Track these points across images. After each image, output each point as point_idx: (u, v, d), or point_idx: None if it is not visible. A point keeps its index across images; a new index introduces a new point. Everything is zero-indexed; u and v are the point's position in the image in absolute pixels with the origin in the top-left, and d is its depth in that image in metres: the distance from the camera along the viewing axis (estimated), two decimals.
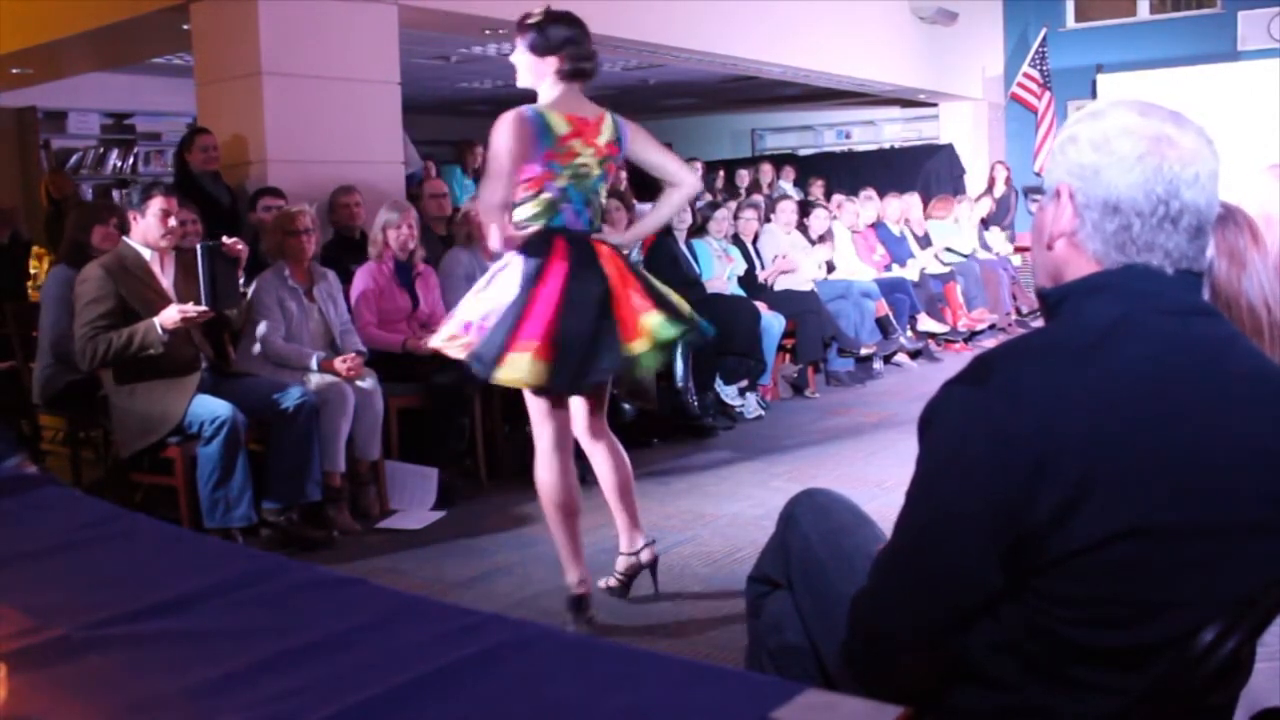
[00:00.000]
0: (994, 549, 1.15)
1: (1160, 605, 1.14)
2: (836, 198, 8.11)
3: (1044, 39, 10.85)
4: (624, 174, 8.35)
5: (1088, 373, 1.13)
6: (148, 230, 3.82)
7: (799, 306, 6.53)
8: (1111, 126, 1.20)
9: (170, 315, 3.66)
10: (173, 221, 3.84)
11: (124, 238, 3.87)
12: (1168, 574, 1.13)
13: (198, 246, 3.72)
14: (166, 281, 3.86)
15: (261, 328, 4.18)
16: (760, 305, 6.23)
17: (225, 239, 3.80)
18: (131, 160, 9.89)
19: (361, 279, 4.62)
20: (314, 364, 4.16)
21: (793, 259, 6.80)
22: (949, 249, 8.45)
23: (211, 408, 3.72)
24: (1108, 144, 1.19)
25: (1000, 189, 9.93)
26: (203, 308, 3.69)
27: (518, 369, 2.75)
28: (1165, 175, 1.16)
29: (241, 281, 3.93)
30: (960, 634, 1.22)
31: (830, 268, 7.31)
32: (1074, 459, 1.10)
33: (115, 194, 9.16)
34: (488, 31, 7.05)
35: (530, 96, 2.96)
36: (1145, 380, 1.13)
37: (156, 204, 3.82)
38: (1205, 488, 1.13)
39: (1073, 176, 1.21)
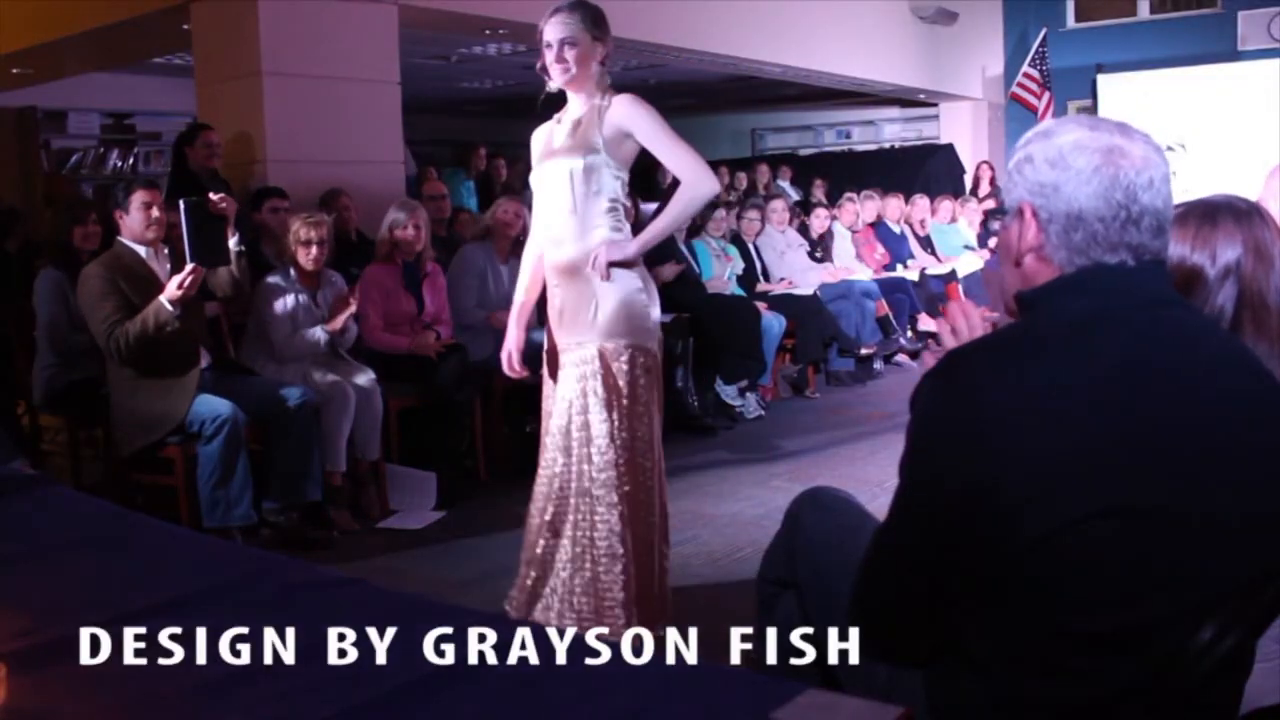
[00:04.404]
0: (967, 533, 1.18)
1: (1139, 588, 1.16)
2: (842, 199, 8.08)
3: (1044, 39, 10.84)
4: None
5: (1058, 363, 1.17)
6: (134, 226, 3.81)
7: (799, 307, 6.54)
8: (1065, 143, 1.25)
9: (169, 290, 3.63)
10: (155, 212, 3.81)
11: (118, 237, 3.87)
12: (1142, 556, 1.15)
13: (180, 203, 3.60)
14: (164, 276, 3.85)
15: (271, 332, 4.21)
16: (760, 305, 6.24)
17: (212, 195, 3.73)
18: (131, 160, 9.88)
19: (368, 281, 4.61)
20: (321, 336, 4.22)
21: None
22: (966, 246, 8.50)
23: (213, 406, 3.71)
24: (1063, 160, 1.24)
25: (985, 189, 9.93)
26: (190, 266, 3.59)
27: None
28: (1122, 183, 1.22)
29: (235, 242, 3.85)
30: (949, 607, 1.25)
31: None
32: (1040, 445, 1.13)
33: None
34: (488, 31, 7.05)
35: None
36: (1116, 368, 1.17)
37: (138, 198, 3.80)
38: (1175, 472, 1.16)
39: (1033, 195, 1.27)
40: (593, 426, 2.70)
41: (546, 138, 2.84)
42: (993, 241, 9.20)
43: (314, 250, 4.24)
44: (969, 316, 1.51)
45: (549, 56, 2.69)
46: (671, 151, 2.72)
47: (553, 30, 2.67)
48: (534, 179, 2.84)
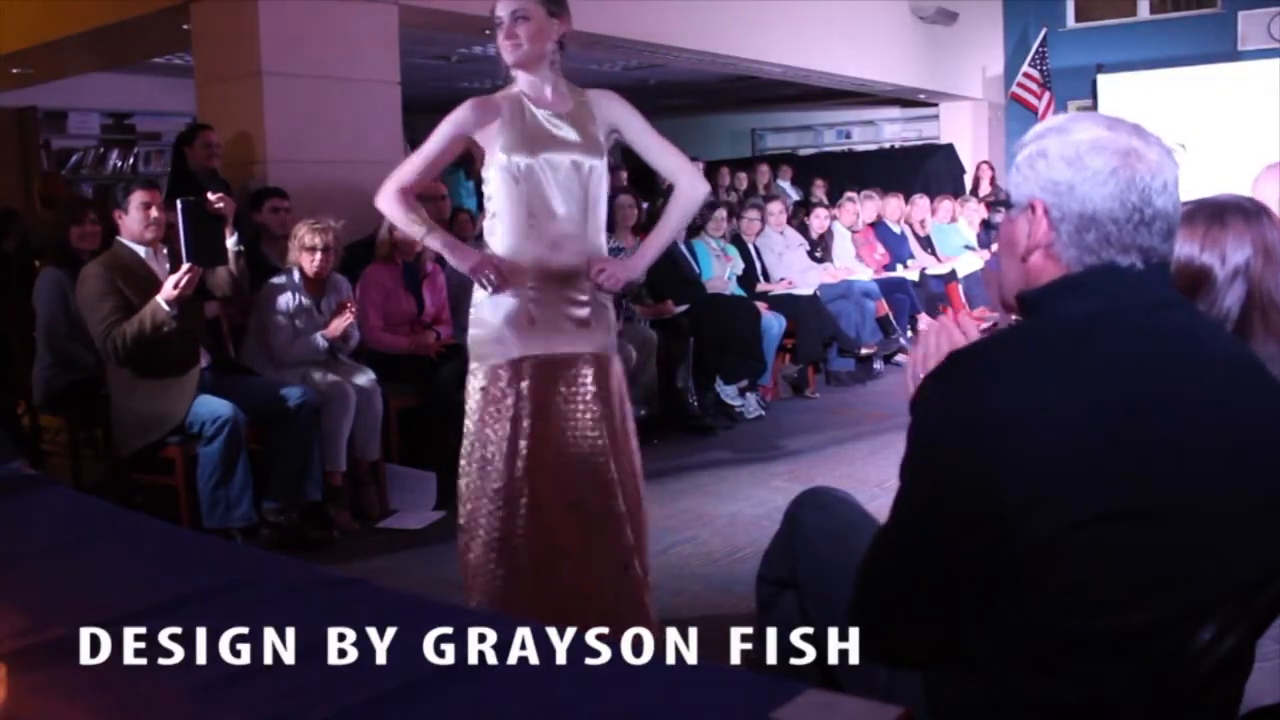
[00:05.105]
0: (969, 536, 1.18)
1: (1141, 590, 1.16)
2: (842, 199, 8.08)
3: (1044, 39, 10.85)
4: (624, 173, 8.36)
5: (1060, 364, 1.17)
6: (133, 225, 3.81)
7: (799, 307, 6.54)
8: (1082, 141, 1.23)
9: (166, 290, 3.62)
10: (154, 213, 3.81)
11: (117, 238, 3.87)
12: (1145, 559, 1.15)
13: (177, 203, 3.60)
14: (164, 276, 3.85)
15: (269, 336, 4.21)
16: (760, 305, 6.24)
17: (210, 195, 3.71)
18: (131, 160, 9.89)
19: (368, 282, 4.61)
20: (322, 342, 4.21)
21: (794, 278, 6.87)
22: (967, 246, 8.52)
23: (213, 407, 3.71)
24: (1080, 160, 1.22)
25: (985, 189, 9.93)
26: (186, 266, 3.58)
27: None
28: (1138, 186, 1.21)
29: (233, 242, 3.83)
30: (950, 609, 1.25)
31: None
32: (1043, 447, 1.13)
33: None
34: (488, 31, 6.98)
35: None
36: (1119, 370, 1.17)
37: (137, 198, 3.80)
38: (1179, 474, 1.15)
39: (1046, 192, 1.25)
40: (593, 445, 2.62)
41: (525, 116, 2.58)
42: (994, 246, 9.19)
43: (318, 256, 4.23)
44: (958, 329, 1.48)
45: (499, 35, 2.56)
46: (663, 152, 2.67)
47: (504, 4, 2.54)
48: (524, 164, 2.57)
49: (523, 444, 2.57)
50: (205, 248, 3.63)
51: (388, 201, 2.65)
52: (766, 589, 1.80)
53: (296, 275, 4.27)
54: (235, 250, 3.85)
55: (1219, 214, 1.63)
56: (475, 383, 2.62)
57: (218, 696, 1.15)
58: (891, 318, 7.31)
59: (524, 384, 2.58)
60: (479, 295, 2.64)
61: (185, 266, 3.59)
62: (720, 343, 5.81)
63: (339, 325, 4.24)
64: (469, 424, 2.62)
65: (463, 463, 2.64)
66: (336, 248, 4.34)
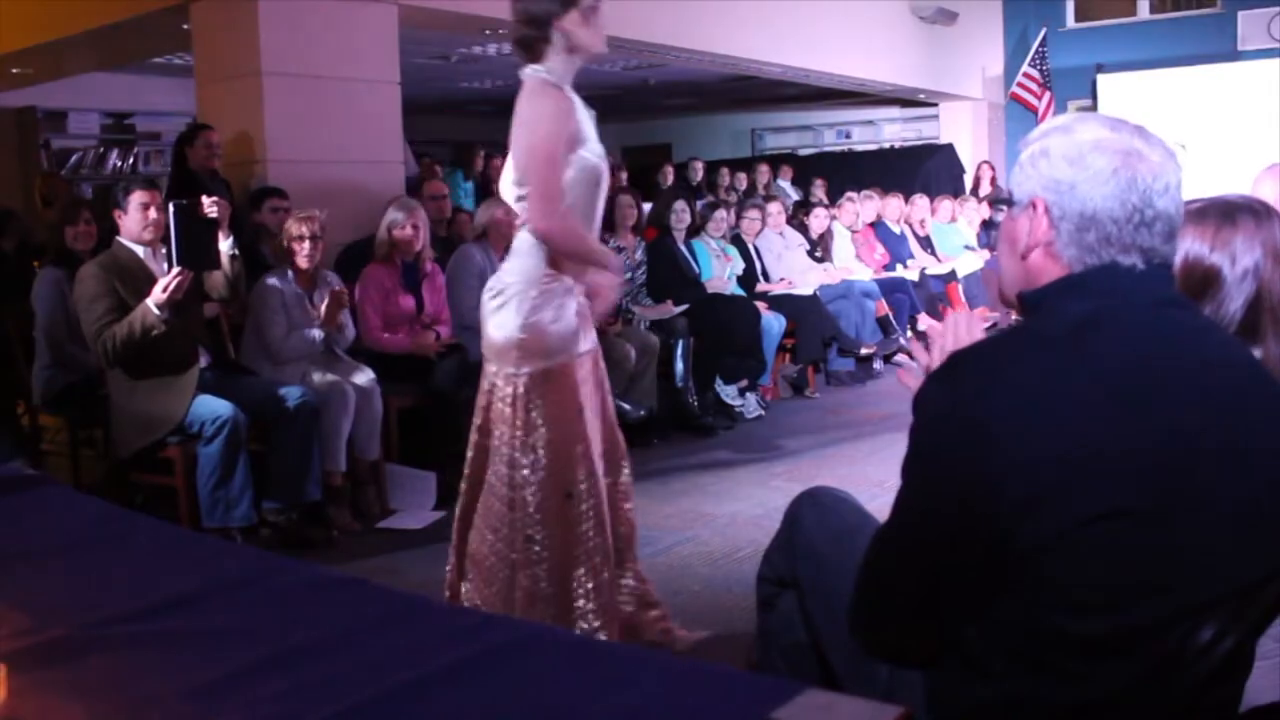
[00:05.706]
0: (969, 535, 1.18)
1: (1141, 590, 1.16)
2: (842, 199, 8.08)
3: (1044, 39, 10.85)
4: (624, 173, 8.35)
5: (1061, 363, 1.17)
6: (132, 226, 3.81)
7: (799, 307, 6.54)
8: (1084, 141, 1.24)
9: (155, 293, 3.62)
10: (153, 213, 3.81)
11: (117, 238, 3.87)
12: (1145, 558, 1.15)
13: (169, 206, 3.61)
14: (162, 276, 3.85)
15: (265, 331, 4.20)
16: (760, 305, 6.24)
17: (204, 199, 3.71)
18: (131, 160, 9.88)
19: (367, 281, 4.61)
20: (317, 335, 4.22)
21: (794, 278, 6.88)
22: (966, 247, 8.53)
23: (213, 407, 3.71)
24: (1082, 159, 1.23)
25: (986, 189, 9.93)
26: (176, 270, 3.59)
27: None
28: (1139, 187, 1.22)
29: (229, 245, 3.83)
30: (950, 608, 1.25)
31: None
32: (1044, 446, 1.13)
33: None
34: (488, 31, 7.05)
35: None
36: (1119, 368, 1.17)
37: (136, 198, 3.81)
38: (1180, 474, 1.16)
39: (1047, 190, 1.25)
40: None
41: (583, 112, 2.59)
42: (996, 253, 9.18)
43: (307, 246, 4.25)
44: (958, 330, 1.48)
45: (597, 17, 2.55)
46: None
47: None
48: (602, 164, 2.56)
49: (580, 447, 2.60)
50: (196, 251, 3.64)
51: (580, 232, 2.52)
52: (766, 589, 1.80)
53: (289, 271, 4.28)
54: (230, 253, 3.86)
55: (1229, 214, 1.63)
56: (539, 387, 2.55)
57: (218, 696, 1.15)
58: (891, 318, 7.31)
59: (589, 378, 2.64)
60: (540, 299, 2.58)
61: (175, 270, 3.60)
62: (720, 343, 5.81)
63: (333, 316, 4.24)
64: (521, 436, 2.53)
65: (510, 484, 2.52)
66: (324, 236, 4.35)
